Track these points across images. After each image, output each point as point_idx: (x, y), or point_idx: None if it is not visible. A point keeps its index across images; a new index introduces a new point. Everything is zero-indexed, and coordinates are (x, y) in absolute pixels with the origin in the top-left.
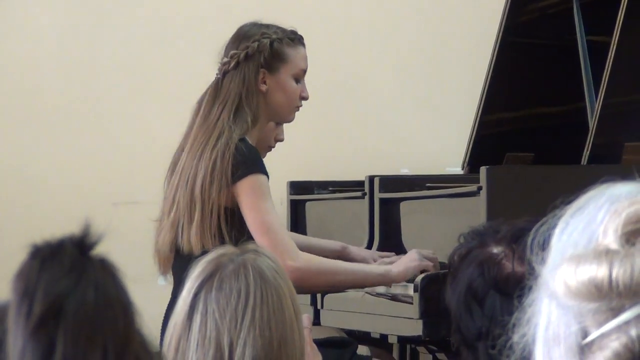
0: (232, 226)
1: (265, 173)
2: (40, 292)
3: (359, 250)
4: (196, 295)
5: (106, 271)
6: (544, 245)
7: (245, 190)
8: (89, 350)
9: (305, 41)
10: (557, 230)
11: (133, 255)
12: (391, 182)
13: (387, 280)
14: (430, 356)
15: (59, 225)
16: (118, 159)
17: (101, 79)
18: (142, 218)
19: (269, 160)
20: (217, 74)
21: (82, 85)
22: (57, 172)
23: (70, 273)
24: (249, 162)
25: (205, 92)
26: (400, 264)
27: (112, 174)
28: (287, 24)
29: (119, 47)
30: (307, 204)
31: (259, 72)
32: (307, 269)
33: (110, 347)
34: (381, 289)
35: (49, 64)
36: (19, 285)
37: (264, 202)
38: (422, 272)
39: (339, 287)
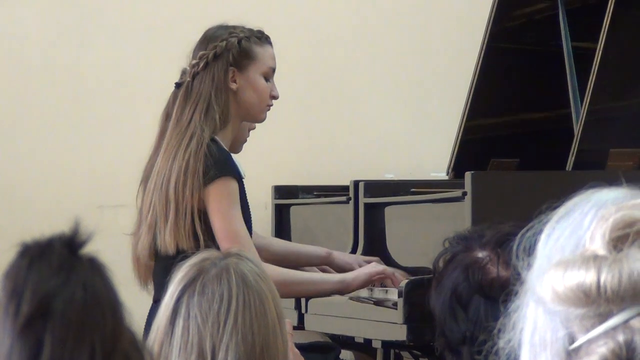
0: (206, 227)
1: (237, 176)
2: (28, 291)
3: (343, 256)
4: (179, 300)
5: (95, 270)
6: (530, 251)
7: (214, 194)
8: (76, 350)
9: (291, 46)
10: (543, 236)
11: (119, 258)
12: (376, 187)
13: (344, 287)
14: None
15: (44, 228)
16: (104, 162)
17: (88, 81)
18: (128, 221)
19: (253, 164)
20: (186, 78)
21: (68, 88)
22: (42, 174)
23: (58, 272)
24: (218, 164)
25: (169, 101)
26: (356, 272)
27: (98, 177)
28: (274, 27)
29: (106, 50)
30: (292, 208)
31: (228, 70)
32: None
33: (98, 346)
34: (364, 293)
35: (35, 67)
36: (7, 284)
37: (232, 209)
38: (381, 284)
39: (299, 296)
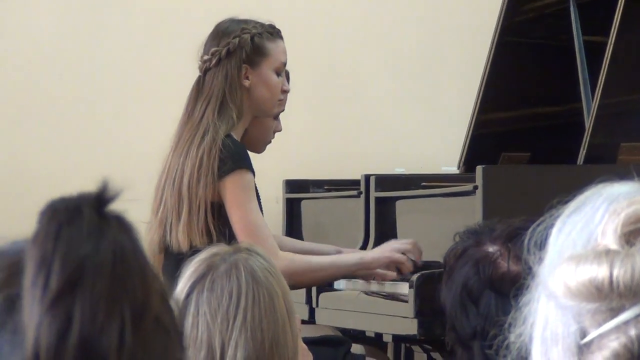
0: (219, 221)
1: (251, 169)
2: (58, 263)
3: (353, 253)
4: (188, 296)
5: (123, 232)
6: (541, 245)
7: (231, 186)
8: (106, 321)
9: (302, 41)
10: (554, 230)
11: None
12: (387, 181)
13: (364, 265)
14: (425, 355)
15: None
16: (111, 158)
17: (96, 77)
18: (136, 216)
19: (264, 158)
20: (198, 73)
21: (76, 84)
22: (50, 169)
23: (88, 239)
24: (235, 157)
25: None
26: (376, 251)
27: (106, 172)
28: (283, 23)
29: (114, 47)
30: (303, 202)
31: (241, 67)
32: (290, 269)
33: (128, 315)
34: (375, 287)
35: (44, 63)
36: (34, 252)
37: (249, 201)
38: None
39: (322, 281)
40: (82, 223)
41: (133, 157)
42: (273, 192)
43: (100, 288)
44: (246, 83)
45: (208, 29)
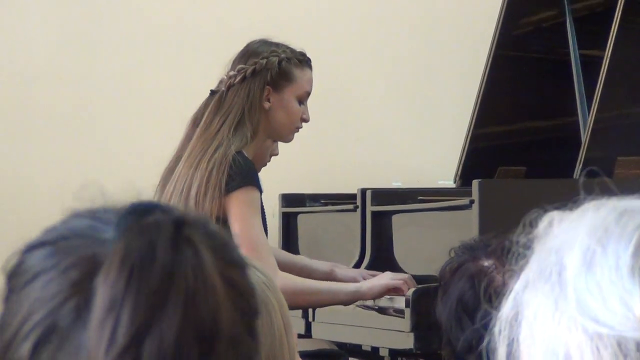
0: None
1: (259, 188)
2: (127, 312)
3: (346, 271)
4: None
5: (197, 265)
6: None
7: (237, 201)
8: None
9: None
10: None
11: None
12: (383, 195)
13: (358, 297)
14: None
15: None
16: (109, 167)
17: (94, 86)
18: None
19: (261, 172)
20: (222, 87)
21: (74, 92)
22: (47, 178)
23: (160, 285)
24: (244, 174)
25: (201, 107)
26: (371, 281)
27: (102, 182)
28: (280, 34)
29: (113, 56)
30: (299, 216)
31: (264, 88)
32: (284, 290)
33: (195, 353)
34: (369, 302)
35: (41, 70)
36: (104, 290)
37: (254, 217)
38: (394, 290)
39: (314, 306)
40: (156, 266)
41: (129, 167)
42: (269, 206)
43: (169, 336)
44: (266, 105)
45: (209, 38)
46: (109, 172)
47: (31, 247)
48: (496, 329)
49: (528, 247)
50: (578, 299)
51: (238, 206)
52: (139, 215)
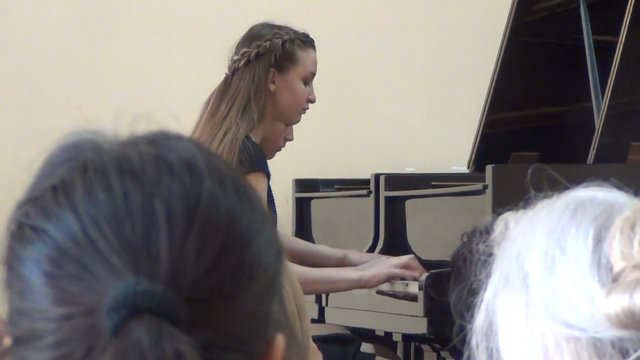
0: None
1: (268, 173)
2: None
3: (360, 257)
4: None
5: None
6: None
7: None
8: None
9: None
10: (524, 252)
11: None
12: (397, 180)
13: (361, 285)
14: (435, 354)
15: None
16: None
17: (104, 77)
18: None
19: (275, 157)
20: (227, 73)
21: (85, 83)
22: None
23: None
24: (254, 160)
25: (213, 92)
26: (374, 269)
27: None
28: (293, 21)
29: (123, 47)
30: (313, 201)
31: (269, 71)
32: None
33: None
34: (384, 287)
35: (52, 62)
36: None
37: None
38: (402, 278)
39: (317, 293)
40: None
41: None
42: (283, 191)
43: None
44: (272, 87)
45: (217, 31)
46: None
47: None
48: (473, 342)
49: (489, 254)
50: (545, 304)
51: None
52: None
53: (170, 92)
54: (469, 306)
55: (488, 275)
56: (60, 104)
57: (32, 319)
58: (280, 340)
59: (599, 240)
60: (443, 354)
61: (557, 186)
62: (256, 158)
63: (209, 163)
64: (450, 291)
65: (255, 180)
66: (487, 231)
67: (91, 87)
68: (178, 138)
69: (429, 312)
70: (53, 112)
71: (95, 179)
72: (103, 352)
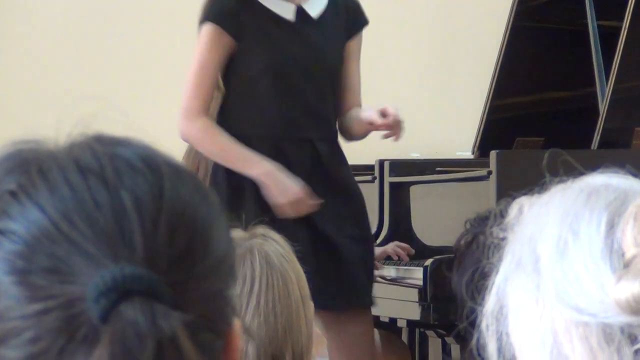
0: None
1: (216, 20)
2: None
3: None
4: None
5: None
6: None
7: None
8: None
9: None
10: (537, 236)
11: None
12: (401, 166)
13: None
14: (439, 340)
15: None
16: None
17: (109, 74)
18: None
19: None
20: None
21: (88, 79)
22: None
23: None
24: (205, 7)
25: None
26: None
27: None
28: None
29: (127, 44)
30: None
31: None
32: (197, 136)
33: None
34: (388, 272)
35: (56, 58)
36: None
37: (197, 53)
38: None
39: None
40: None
41: (156, 139)
42: None
43: None
44: None
45: None
46: None
47: None
48: (483, 325)
49: (502, 237)
50: (556, 288)
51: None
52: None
53: (173, 89)
54: (480, 289)
55: (500, 259)
56: (59, 98)
57: (8, 318)
58: (237, 324)
59: (611, 226)
60: (448, 340)
61: (568, 172)
62: (207, 5)
63: (164, 158)
64: (453, 278)
65: (202, 31)
66: (502, 215)
67: (99, 68)
68: (125, 138)
69: (433, 299)
70: (53, 106)
71: (56, 177)
72: (89, 340)
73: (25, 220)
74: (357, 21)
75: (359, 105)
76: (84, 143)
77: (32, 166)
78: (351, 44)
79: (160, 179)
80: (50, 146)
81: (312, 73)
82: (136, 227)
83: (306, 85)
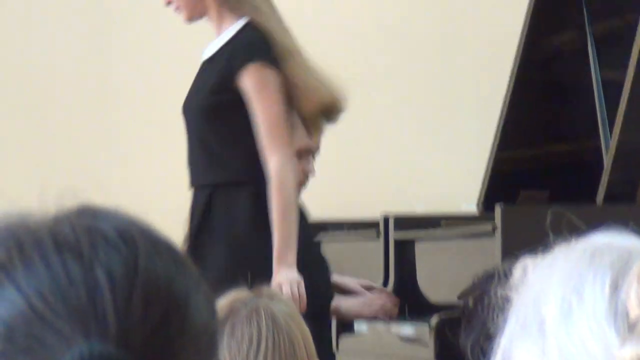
0: None
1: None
2: None
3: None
4: None
5: None
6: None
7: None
8: None
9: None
10: (542, 301)
11: None
12: (406, 222)
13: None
14: None
15: None
16: (136, 174)
17: (113, 82)
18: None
19: None
20: None
21: (97, 98)
22: (66, 176)
23: None
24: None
25: None
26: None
27: (133, 188)
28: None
29: (131, 53)
30: (322, 245)
31: None
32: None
33: None
34: (395, 329)
35: (61, 67)
36: None
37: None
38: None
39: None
40: None
41: (156, 172)
42: None
43: None
44: None
45: None
46: (135, 177)
47: None
48: None
49: (507, 298)
50: (561, 351)
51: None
52: None
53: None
54: (485, 351)
55: (505, 320)
56: (65, 107)
57: None
58: None
59: (615, 287)
60: None
61: (572, 230)
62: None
63: (142, 230)
64: (461, 336)
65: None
66: (505, 275)
67: (102, 101)
68: (106, 210)
69: (439, 356)
70: (59, 115)
71: (33, 255)
72: None
73: (5, 302)
74: (235, 60)
75: (264, 148)
76: (64, 217)
77: (13, 243)
78: (240, 85)
79: (135, 253)
80: (33, 220)
81: (185, 119)
82: (109, 304)
83: (187, 132)
